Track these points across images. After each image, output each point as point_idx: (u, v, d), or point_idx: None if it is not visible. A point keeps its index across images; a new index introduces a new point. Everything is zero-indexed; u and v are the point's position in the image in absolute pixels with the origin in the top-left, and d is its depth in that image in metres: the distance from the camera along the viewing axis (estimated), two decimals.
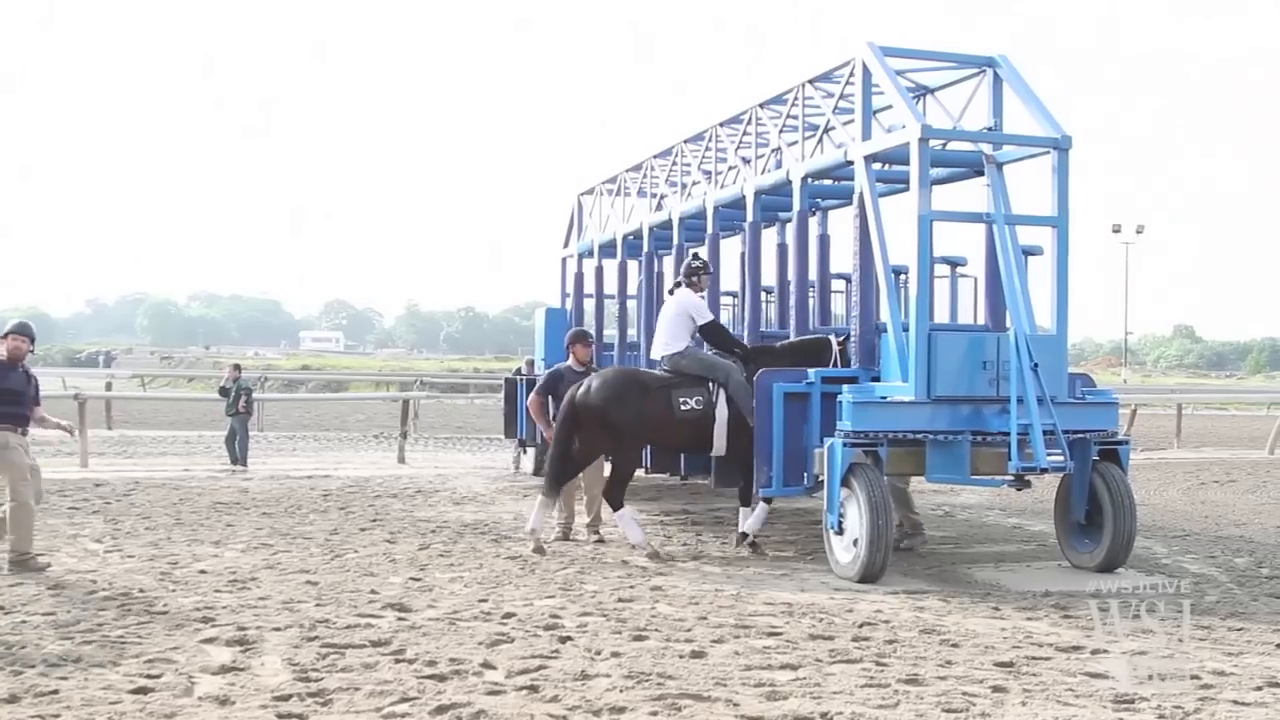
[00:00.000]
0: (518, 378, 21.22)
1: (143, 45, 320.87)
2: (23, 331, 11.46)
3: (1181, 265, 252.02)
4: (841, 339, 12.85)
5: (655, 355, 12.98)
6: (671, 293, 13.07)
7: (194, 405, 39.01)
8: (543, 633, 8.51)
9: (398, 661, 7.66)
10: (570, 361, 13.77)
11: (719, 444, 12.44)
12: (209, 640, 8.18)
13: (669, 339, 12.67)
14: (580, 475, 13.35)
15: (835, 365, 12.57)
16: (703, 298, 12.93)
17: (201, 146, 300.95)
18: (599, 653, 7.94)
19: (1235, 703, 6.95)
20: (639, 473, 15.56)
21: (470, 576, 10.78)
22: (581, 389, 12.45)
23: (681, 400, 12.29)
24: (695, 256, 13.32)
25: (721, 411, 12.33)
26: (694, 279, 12.86)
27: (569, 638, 8.36)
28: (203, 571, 10.87)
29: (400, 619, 8.93)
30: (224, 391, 22.60)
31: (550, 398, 13.68)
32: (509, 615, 9.06)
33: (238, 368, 23.78)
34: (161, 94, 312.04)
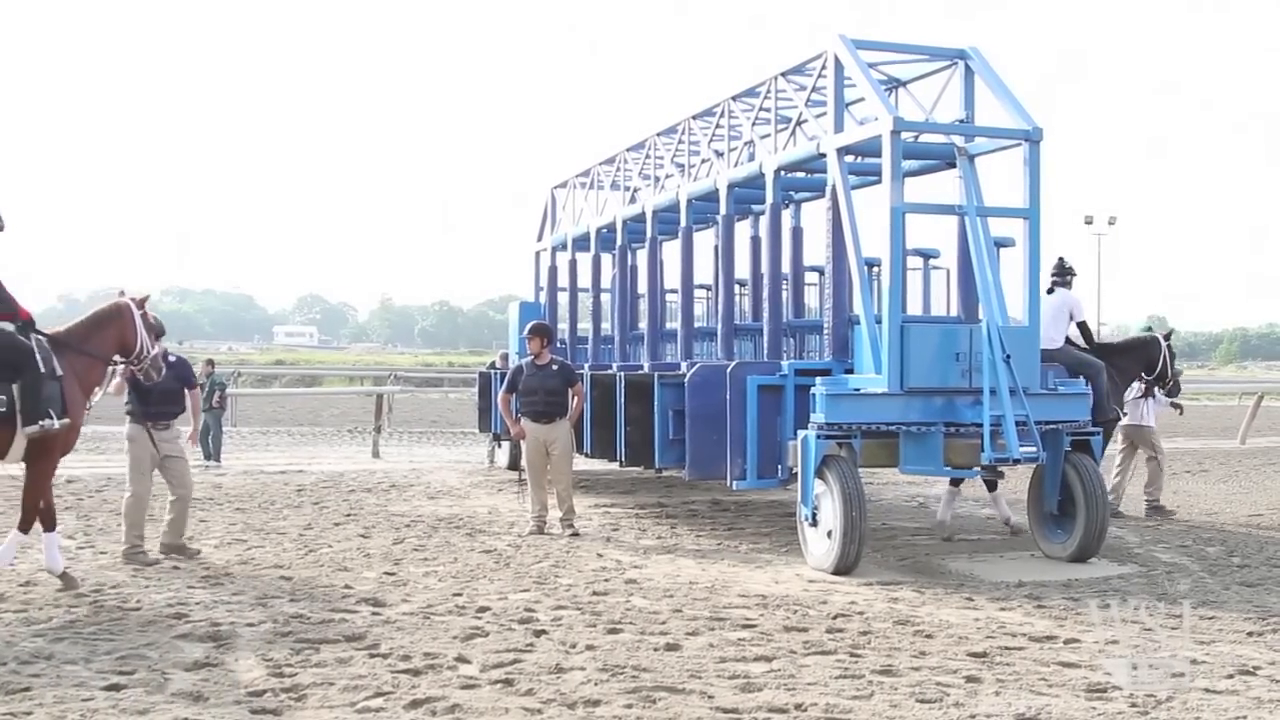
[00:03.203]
0: (492, 371, 21.19)
1: (115, 39, 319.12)
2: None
3: (1153, 257, 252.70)
4: (1167, 334, 14.68)
5: None
6: (1050, 291, 13.89)
7: None
8: (517, 626, 8.51)
9: (372, 656, 7.65)
10: (529, 356, 13.80)
11: None
12: (182, 636, 8.15)
13: (1048, 334, 13.38)
14: (549, 469, 13.43)
15: (1165, 361, 14.48)
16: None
17: (174, 140, 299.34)
18: (574, 646, 7.94)
19: (1207, 690, 6.99)
20: (614, 465, 15.61)
21: (445, 571, 10.77)
22: None
23: None
24: (1063, 260, 14.40)
25: None
26: (1067, 279, 14.23)
27: (543, 631, 8.36)
28: (176, 567, 10.85)
29: (374, 614, 8.91)
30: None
31: (514, 394, 13.74)
32: (483, 609, 9.06)
33: (211, 363, 23.64)
34: (135, 88, 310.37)
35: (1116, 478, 15.28)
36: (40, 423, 9.35)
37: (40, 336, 9.74)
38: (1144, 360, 14.91)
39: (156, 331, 11.33)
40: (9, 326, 9.56)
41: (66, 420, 9.58)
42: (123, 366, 10.75)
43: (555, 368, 13.67)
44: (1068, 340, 14.21)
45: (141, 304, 10.59)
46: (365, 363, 78.88)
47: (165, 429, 11.70)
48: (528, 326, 14.12)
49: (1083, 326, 14.46)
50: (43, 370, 9.47)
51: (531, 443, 13.54)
